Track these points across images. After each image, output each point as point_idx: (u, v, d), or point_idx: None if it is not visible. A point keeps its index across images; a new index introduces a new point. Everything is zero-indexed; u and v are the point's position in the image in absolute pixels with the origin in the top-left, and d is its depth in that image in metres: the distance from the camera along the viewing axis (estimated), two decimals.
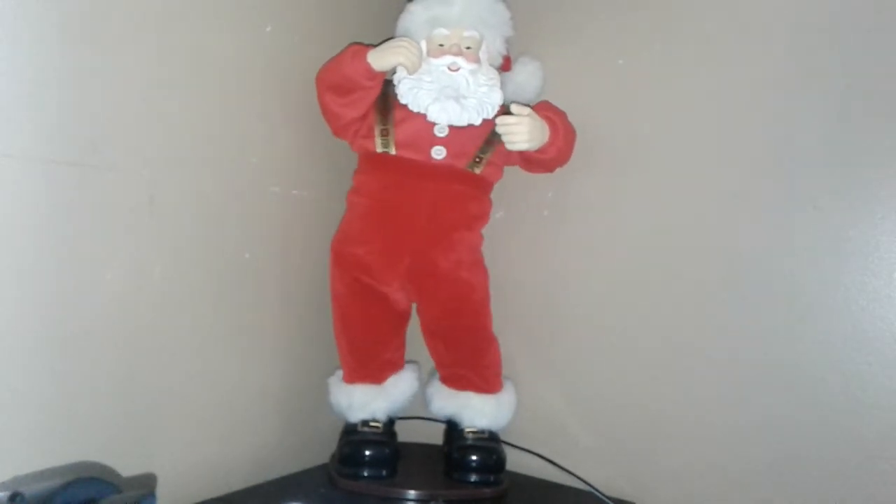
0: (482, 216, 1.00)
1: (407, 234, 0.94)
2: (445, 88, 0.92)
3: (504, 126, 0.92)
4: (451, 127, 0.93)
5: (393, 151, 0.94)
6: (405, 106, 0.93)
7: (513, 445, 1.02)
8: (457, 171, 0.95)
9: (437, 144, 0.93)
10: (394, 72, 0.94)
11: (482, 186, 0.99)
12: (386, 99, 0.96)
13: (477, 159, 0.95)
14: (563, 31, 1.09)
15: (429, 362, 1.05)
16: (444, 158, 0.94)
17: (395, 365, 1.00)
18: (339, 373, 1.01)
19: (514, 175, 1.04)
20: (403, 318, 1.01)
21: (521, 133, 0.92)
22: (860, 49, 0.87)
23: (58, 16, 0.69)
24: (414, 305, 1.02)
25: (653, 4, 1.02)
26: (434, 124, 0.93)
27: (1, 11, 0.65)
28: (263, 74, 0.93)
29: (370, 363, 0.98)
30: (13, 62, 0.66)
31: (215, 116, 0.87)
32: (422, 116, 0.93)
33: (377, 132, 0.95)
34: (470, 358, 1.00)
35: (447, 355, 1.01)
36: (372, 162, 0.97)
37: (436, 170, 0.94)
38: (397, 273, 0.96)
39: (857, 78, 0.87)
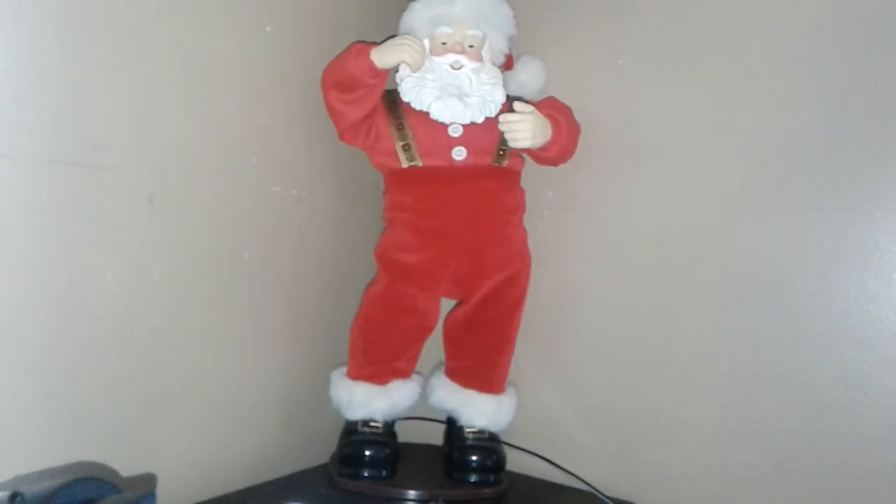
0: (519, 206, 1.01)
1: (451, 240, 0.95)
2: (448, 86, 0.92)
3: (507, 123, 0.92)
4: (464, 126, 0.93)
5: (420, 163, 0.94)
6: (416, 116, 0.94)
7: (513, 446, 1.02)
8: (483, 168, 0.95)
9: (455, 145, 0.94)
10: (396, 70, 0.94)
11: (511, 178, 0.99)
12: (397, 112, 0.96)
13: (500, 152, 0.96)
14: (563, 30, 1.09)
15: (430, 368, 1.06)
16: (466, 158, 0.94)
17: (403, 373, 1.00)
18: (343, 367, 1.01)
19: None
20: (427, 332, 1.01)
21: (524, 131, 0.92)
22: (860, 49, 0.87)
23: (58, 16, 0.69)
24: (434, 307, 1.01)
25: (653, 4, 1.02)
26: (447, 125, 0.93)
27: (1, 11, 0.65)
28: (263, 75, 0.93)
29: (380, 366, 0.98)
30: (13, 62, 0.66)
31: (215, 116, 0.87)
32: (434, 122, 0.93)
33: (399, 148, 0.95)
34: (485, 354, 1.00)
35: (463, 347, 1.01)
36: (401, 179, 0.97)
37: (463, 172, 0.94)
38: (442, 279, 0.97)
39: (858, 78, 0.87)
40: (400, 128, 0.95)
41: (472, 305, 0.99)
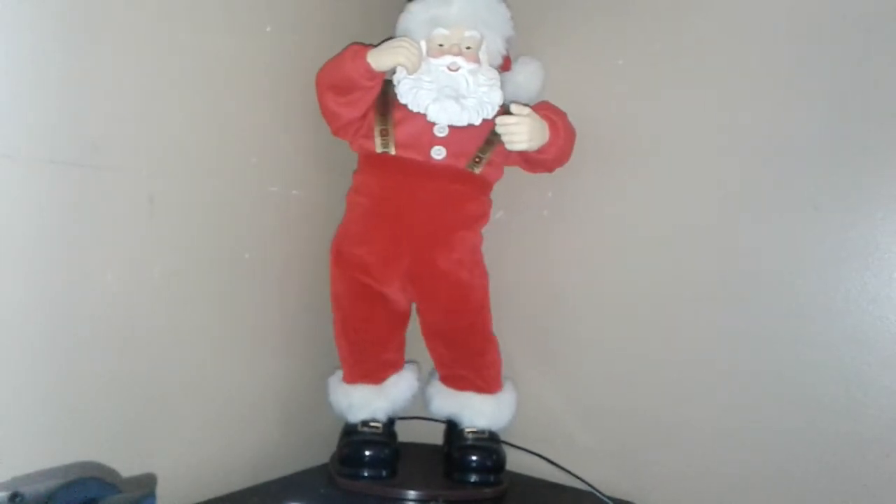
0: (482, 216, 1.00)
1: (407, 234, 0.94)
2: (445, 88, 0.92)
3: (504, 126, 0.92)
4: (451, 127, 0.93)
5: (393, 151, 0.94)
6: (405, 106, 0.93)
7: (513, 445, 1.02)
8: (456, 171, 0.95)
9: (437, 144, 0.93)
10: (394, 72, 0.94)
11: (482, 186, 0.99)
12: (385, 99, 0.96)
13: (476, 159, 0.95)
14: (563, 30, 1.09)
15: (428, 362, 1.05)
16: (445, 158, 0.94)
17: (394, 365, 1.00)
18: (339, 373, 1.01)
19: (514, 175, 1.04)
20: (403, 318, 1.01)
21: (521, 133, 0.92)
22: (860, 49, 0.87)
23: (58, 16, 0.69)
24: (413, 305, 1.02)
25: (653, 4, 1.02)
26: (434, 124, 0.93)
27: (1, 11, 0.65)
28: (263, 75, 0.93)
29: (370, 363, 0.98)
30: (13, 62, 0.66)
31: (215, 117, 0.87)
32: (422, 116, 0.93)
33: (377, 132, 0.95)
34: (470, 358, 1.00)
35: (447, 355, 1.01)
36: (372, 162, 0.97)
37: (435, 170, 0.94)
38: (397, 273, 0.96)
39: (858, 78, 0.87)
40: (384, 113, 0.95)
41: (438, 316, 0.99)
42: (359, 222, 0.97)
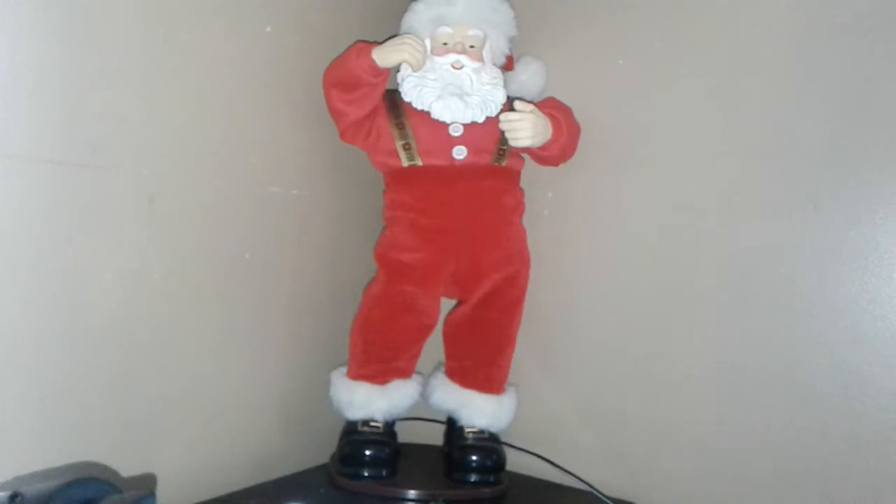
0: (517, 206, 1.01)
1: (451, 240, 0.95)
2: (449, 86, 0.93)
3: (507, 122, 0.92)
4: (464, 125, 0.94)
5: (419, 162, 0.95)
6: (417, 115, 0.94)
7: (513, 446, 1.02)
8: (483, 167, 0.95)
9: (456, 145, 0.94)
10: (398, 70, 0.95)
11: (511, 177, 1.00)
12: (398, 112, 0.96)
13: (500, 152, 0.96)
14: (563, 30, 1.09)
15: (430, 369, 1.05)
16: (467, 157, 0.94)
17: (403, 372, 1.00)
18: (343, 368, 1.01)
19: None
20: (426, 332, 1.01)
21: (525, 129, 0.92)
22: (860, 49, 0.87)
23: (58, 16, 0.69)
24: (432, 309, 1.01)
25: (653, 4, 1.02)
26: (448, 125, 0.94)
27: (1, 11, 0.65)
28: (264, 74, 0.93)
29: (380, 366, 0.98)
30: (13, 62, 0.66)
31: (215, 116, 0.87)
32: (435, 121, 0.93)
33: (399, 147, 0.95)
34: (485, 353, 1.00)
35: (464, 345, 1.01)
36: (400, 178, 0.97)
37: (463, 171, 0.95)
38: (442, 278, 0.97)
39: (858, 78, 0.87)
40: (401, 126, 0.96)
41: (471, 305, 0.99)
42: (402, 234, 0.97)
